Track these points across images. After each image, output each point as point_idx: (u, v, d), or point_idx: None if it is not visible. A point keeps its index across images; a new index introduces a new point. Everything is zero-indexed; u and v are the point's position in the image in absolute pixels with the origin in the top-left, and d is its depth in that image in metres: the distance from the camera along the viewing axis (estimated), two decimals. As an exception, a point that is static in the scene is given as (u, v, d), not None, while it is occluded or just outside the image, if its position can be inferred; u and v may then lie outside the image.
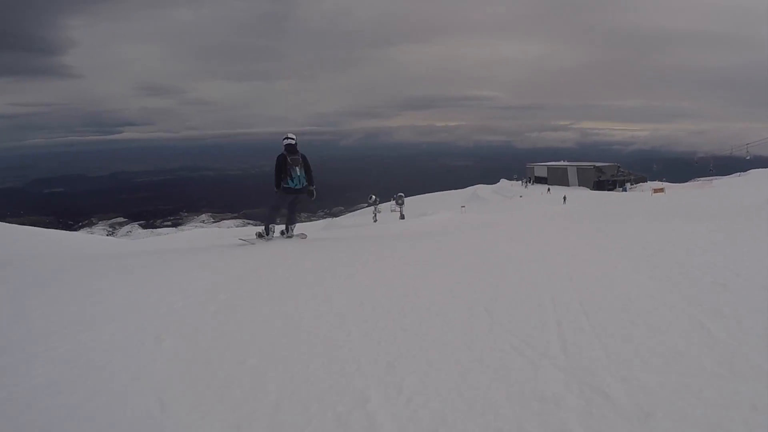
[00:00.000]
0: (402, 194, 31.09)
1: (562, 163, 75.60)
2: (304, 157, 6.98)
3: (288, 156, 6.79)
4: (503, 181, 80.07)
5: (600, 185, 61.87)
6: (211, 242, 7.78)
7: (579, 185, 64.08)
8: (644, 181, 62.26)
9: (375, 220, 26.87)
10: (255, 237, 6.94)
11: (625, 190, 55.58)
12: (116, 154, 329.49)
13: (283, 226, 7.44)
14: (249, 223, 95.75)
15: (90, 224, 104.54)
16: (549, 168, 74.88)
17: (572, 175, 67.39)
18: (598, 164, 66.52)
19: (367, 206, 29.91)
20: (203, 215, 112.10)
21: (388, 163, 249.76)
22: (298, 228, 7.78)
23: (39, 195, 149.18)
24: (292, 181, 6.77)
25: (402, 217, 29.40)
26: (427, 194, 67.57)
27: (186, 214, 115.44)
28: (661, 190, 37.99)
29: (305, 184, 6.94)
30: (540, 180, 74.00)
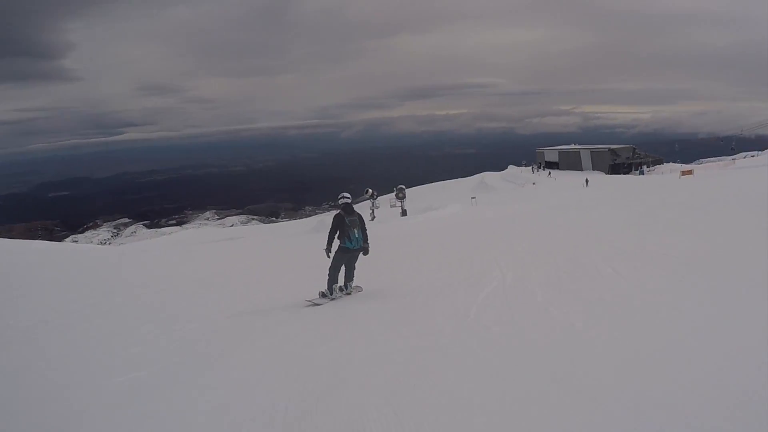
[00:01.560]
0: (403, 186, 29.37)
1: (574, 146, 74.71)
2: (360, 217, 7.29)
3: (346, 216, 7.06)
4: (511, 168, 79.22)
5: (615, 168, 61.11)
6: (277, 303, 7.36)
7: (593, 169, 63.39)
8: (660, 163, 61.63)
9: (372, 218, 25.24)
10: (319, 297, 7.11)
11: (642, 173, 55.02)
12: (120, 155, 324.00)
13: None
14: (253, 219, 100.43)
15: (95, 226, 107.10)
16: (560, 152, 74.06)
17: (586, 159, 66.54)
18: (613, 146, 65.73)
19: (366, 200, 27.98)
20: (208, 213, 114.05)
21: (390, 153, 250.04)
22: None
23: (44, 199, 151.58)
24: (351, 242, 7.01)
25: (404, 213, 28.25)
26: (432, 184, 67.42)
27: (190, 212, 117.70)
28: (690, 172, 37.04)
29: (362, 244, 7.19)
30: (551, 165, 73.26)
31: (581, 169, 64.86)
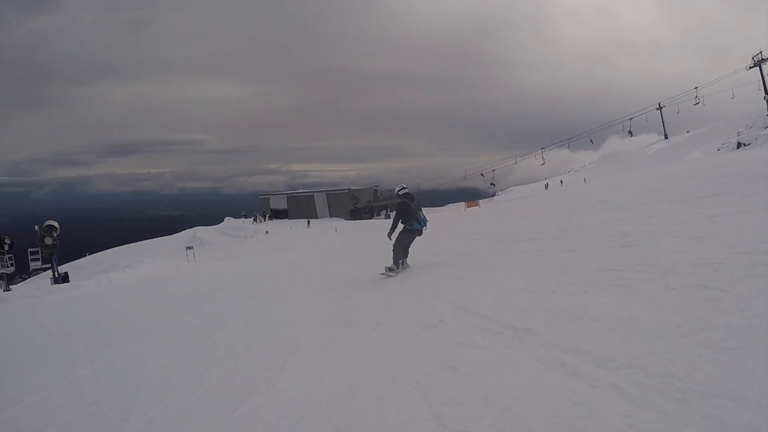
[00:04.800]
0: (54, 224, 21.27)
1: (305, 190, 68.30)
2: (419, 201, 8.83)
3: (411, 203, 8.52)
4: (229, 220, 68.74)
5: (356, 213, 56.59)
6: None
7: (331, 215, 57.63)
8: None
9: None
10: (386, 272, 8.35)
11: (389, 217, 51.38)
12: None
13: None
14: None
15: None
16: (289, 197, 66.49)
17: (321, 204, 60.44)
18: (352, 188, 61.35)
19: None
20: None
21: (88, 216, 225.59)
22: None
23: None
24: (419, 223, 8.46)
25: (59, 278, 20.27)
26: (133, 243, 54.83)
27: None
28: (476, 203, 37.24)
29: (426, 224, 8.66)
30: (279, 214, 64.97)
31: (316, 216, 58.43)
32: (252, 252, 30.33)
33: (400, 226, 8.52)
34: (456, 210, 37.91)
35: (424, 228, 8.54)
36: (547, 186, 46.31)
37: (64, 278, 20.30)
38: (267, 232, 45.67)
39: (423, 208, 8.92)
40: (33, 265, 21.14)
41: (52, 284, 19.18)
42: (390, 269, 8.36)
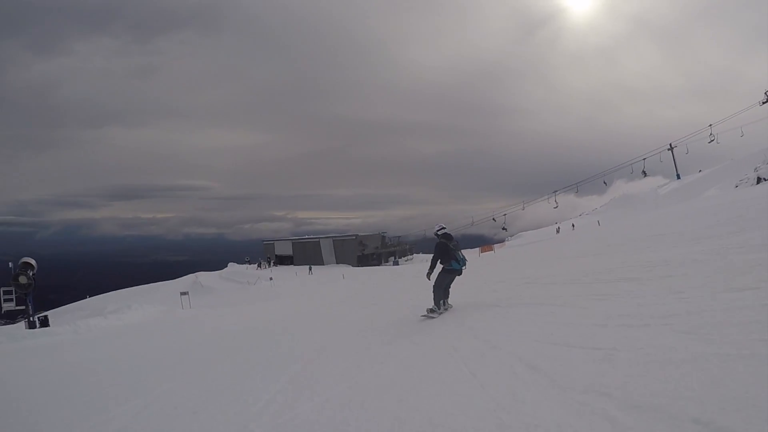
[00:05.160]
0: (31, 262, 18.65)
1: (311, 236, 66.26)
2: (456, 241, 8.68)
3: (449, 243, 8.39)
4: (232, 265, 66.90)
5: (364, 260, 54.30)
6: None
7: (337, 262, 55.39)
8: (412, 252, 58.03)
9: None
10: (428, 313, 8.32)
11: (398, 264, 49.29)
12: None
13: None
14: None
15: None
16: (295, 243, 64.48)
17: (327, 250, 58.27)
18: (360, 234, 59.42)
19: None
20: None
21: (92, 259, 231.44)
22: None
23: None
24: (458, 263, 8.31)
25: (33, 322, 17.58)
26: (134, 287, 52.30)
27: None
28: (491, 248, 35.59)
29: (465, 264, 8.49)
30: (284, 260, 63.00)
31: (322, 263, 56.17)
32: (254, 299, 27.88)
33: (439, 267, 8.38)
34: (469, 255, 35.94)
35: (464, 267, 8.43)
36: (558, 230, 44.32)
37: (42, 322, 18.04)
38: (271, 279, 43.52)
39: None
40: (6, 306, 18.83)
41: (26, 328, 17.03)
42: (432, 310, 8.34)
